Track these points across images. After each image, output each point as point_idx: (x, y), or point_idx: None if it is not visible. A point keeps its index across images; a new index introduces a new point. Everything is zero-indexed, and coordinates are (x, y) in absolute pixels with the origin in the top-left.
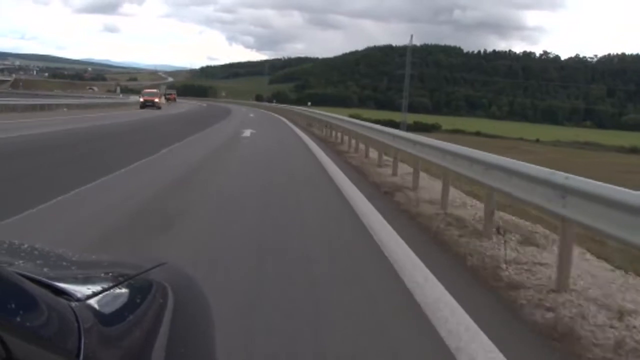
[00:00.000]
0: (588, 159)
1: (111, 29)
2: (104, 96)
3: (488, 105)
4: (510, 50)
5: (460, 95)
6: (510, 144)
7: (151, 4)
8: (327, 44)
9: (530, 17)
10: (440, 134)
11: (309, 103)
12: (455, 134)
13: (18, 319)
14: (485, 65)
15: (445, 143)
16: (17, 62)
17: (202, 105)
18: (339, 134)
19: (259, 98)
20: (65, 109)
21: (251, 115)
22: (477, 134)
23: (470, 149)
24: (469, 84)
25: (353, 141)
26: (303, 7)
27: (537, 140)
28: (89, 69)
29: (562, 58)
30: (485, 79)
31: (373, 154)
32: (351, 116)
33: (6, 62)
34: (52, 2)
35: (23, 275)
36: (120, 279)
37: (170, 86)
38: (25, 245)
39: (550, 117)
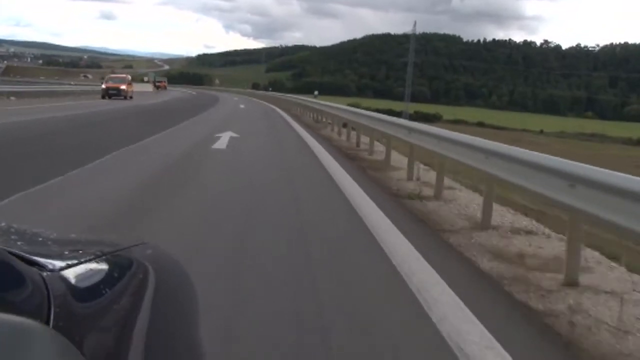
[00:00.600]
0: (595, 150)
1: (108, 16)
2: (85, 83)
3: (488, 94)
4: (510, 40)
5: (460, 84)
6: (514, 135)
7: None
8: (325, 33)
9: (530, 6)
10: (441, 124)
11: (316, 92)
12: (457, 124)
13: None
14: (485, 54)
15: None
16: (12, 49)
17: (190, 94)
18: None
19: (255, 86)
20: (12, 98)
21: (241, 106)
22: (480, 124)
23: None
24: (468, 73)
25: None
26: None
27: (541, 132)
28: (85, 56)
29: (563, 47)
30: (485, 68)
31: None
32: (350, 105)
33: (1, 49)
34: None
35: None
36: (98, 254)
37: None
38: (3, 224)
39: (551, 107)
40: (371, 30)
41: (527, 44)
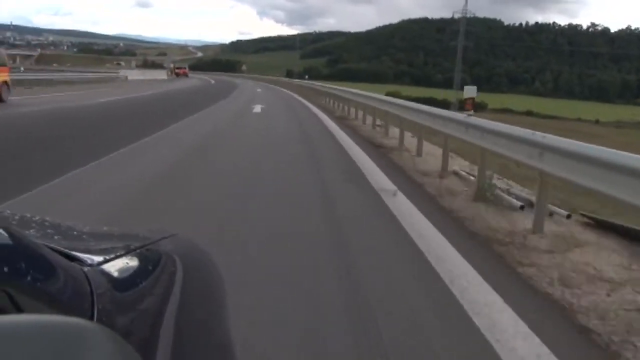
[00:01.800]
0: None
1: (143, 4)
2: (102, 71)
3: (531, 81)
4: (554, 23)
5: (502, 71)
6: (568, 125)
7: None
8: (360, 18)
9: None
10: (487, 113)
11: (306, 76)
12: (503, 113)
13: (30, 280)
14: (528, 39)
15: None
16: (51, 38)
17: (208, 83)
18: None
19: (289, 74)
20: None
21: (256, 109)
22: (528, 113)
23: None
24: (510, 59)
25: None
26: None
27: (597, 121)
28: (121, 44)
29: (612, 30)
30: (528, 53)
31: None
32: (389, 94)
33: (40, 38)
34: None
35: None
36: (132, 247)
37: (196, 61)
38: (37, 218)
39: (600, 94)
40: (406, 15)
41: (573, 28)
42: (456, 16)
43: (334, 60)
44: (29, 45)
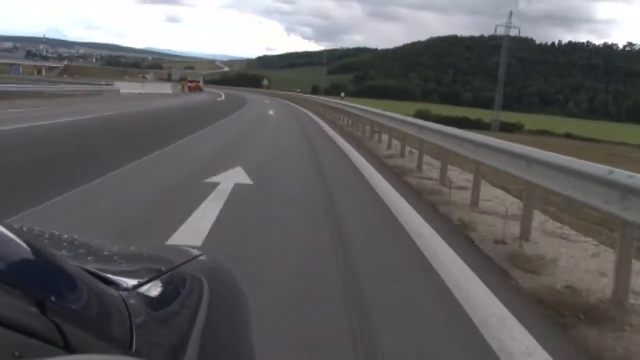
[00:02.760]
0: None
1: (173, 19)
2: (101, 83)
3: (564, 101)
4: (588, 42)
5: (533, 90)
6: (615, 150)
7: None
8: (386, 36)
9: (601, 9)
10: (524, 135)
11: (342, 94)
12: (540, 135)
13: (75, 307)
14: (561, 58)
15: None
16: (82, 51)
17: (216, 99)
18: None
19: (315, 90)
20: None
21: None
22: (568, 136)
23: None
24: (542, 78)
25: None
26: None
27: None
28: (149, 57)
29: None
30: (561, 73)
31: None
32: (419, 113)
33: (71, 51)
34: None
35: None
36: (162, 269)
37: (221, 76)
38: (65, 236)
39: (637, 115)
40: (433, 33)
41: (608, 47)
42: (499, 30)
43: (360, 77)
44: (59, 57)
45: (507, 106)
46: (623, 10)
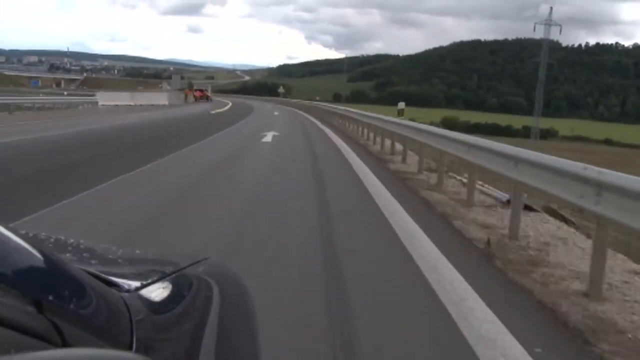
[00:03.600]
0: None
1: (195, 30)
2: (84, 94)
3: (594, 104)
4: (617, 43)
5: (561, 94)
6: None
7: (233, 4)
8: (407, 42)
9: (626, 10)
10: (559, 142)
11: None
12: (576, 141)
13: (73, 307)
14: (588, 61)
15: None
16: (105, 63)
17: (209, 112)
18: None
19: (337, 97)
20: None
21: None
22: (607, 142)
23: None
24: (570, 82)
25: None
26: (382, 5)
27: None
28: (171, 68)
29: None
30: (589, 76)
31: None
32: (446, 120)
33: (95, 63)
34: (139, 5)
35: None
36: (167, 271)
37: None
38: (72, 240)
39: None
40: (454, 38)
41: (638, 48)
42: (537, 28)
43: (382, 84)
44: (82, 70)
45: (532, 112)
46: None
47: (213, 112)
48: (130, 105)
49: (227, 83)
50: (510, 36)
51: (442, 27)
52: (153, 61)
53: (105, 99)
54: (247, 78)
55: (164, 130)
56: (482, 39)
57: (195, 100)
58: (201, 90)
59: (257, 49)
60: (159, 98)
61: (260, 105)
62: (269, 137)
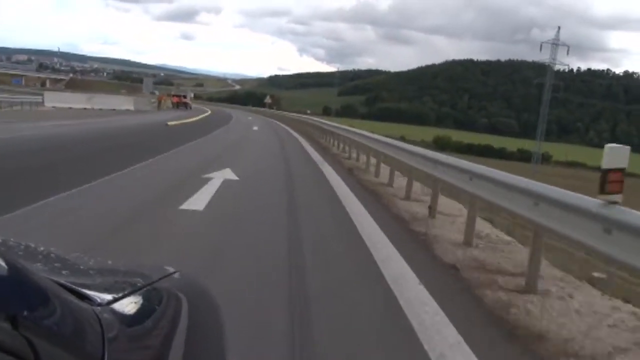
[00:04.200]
0: None
1: (188, 37)
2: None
3: (584, 129)
4: (608, 70)
5: (552, 118)
6: None
7: (227, 14)
8: (399, 59)
9: (614, 38)
10: (552, 167)
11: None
12: (571, 167)
13: (45, 322)
14: (580, 86)
15: None
16: (95, 65)
17: (166, 124)
18: None
19: (327, 111)
20: None
21: None
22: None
23: None
24: (561, 105)
25: None
26: (376, 21)
27: None
28: (161, 73)
29: None
30: (580, 101)
31: None
32: (438, 140)
33: (85, 65)
34: (133, 9)
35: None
36: (138, 285)
37: (230, 94)
38: (41, 249)
39: None
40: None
41: (629, 75)
42: (544, 47)
43: (372, 99)
44: (72, 70)
45: (524, 134)
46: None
47: (172, 123)
48: (85, 108)
49: (217, 91)
50: (502, 57)
51: (434, 46)
52: (144, 66)
53: (55, 100)
54: (237, 87)
55: (76, 148)
56: (475, 59)
57: (173, 106)
58: (179, 96)
59: (249, 59)
60: (122, 102)
61: (241, 116)
62: (212, 186)
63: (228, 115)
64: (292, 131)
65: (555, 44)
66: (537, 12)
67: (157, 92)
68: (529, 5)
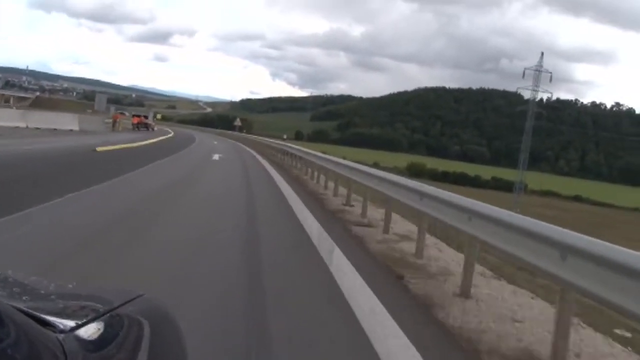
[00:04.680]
0: None
1: (161, 59)
2: None
3: (554, 158)
4: (576, 100)
5: (521, 146)
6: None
7: (201, 36)
8: (371, 85)
9: (581, 70)
10: (528, 196)
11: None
12: (546, 196)
13: (8, 350)
14: (550, 115)
15: None
16: (65, 84)
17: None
18: None
19: (299, 135)
20: None
21: None
22: (577, 199)
23: None
24: (534, 134)
25: None
26: (348, 48)
27: None
28: (133, 95)
29: (638, 111)
30: (550, 129)
31: None
32: (412, 166)
33: (55, 84)
34: (106, 29)
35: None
36: (101, 311)
37: (201, 117)
38: None
39: (629, 177)
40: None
41: (596, 106)
42: (527, 74)
43: (344, 124)
44: (40, 89)
45: (495, 161)
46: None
47: (103, 148)
48: (18, 127)
49: (189, 113)
50: (473, 85)
51: (405, 73)
52: (115, 86)
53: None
54: (209, 110)
55: None
56: (447, 86)
57: (133, 128)
58: (140, 116)
59: (221, 82)
60: (65, 121)
61: (206, 140)
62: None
63: (190, 138)
64: (261, 159)
65: (539, 70)
66: (505, 43)
67: (113, 110)
68: (497, 37)
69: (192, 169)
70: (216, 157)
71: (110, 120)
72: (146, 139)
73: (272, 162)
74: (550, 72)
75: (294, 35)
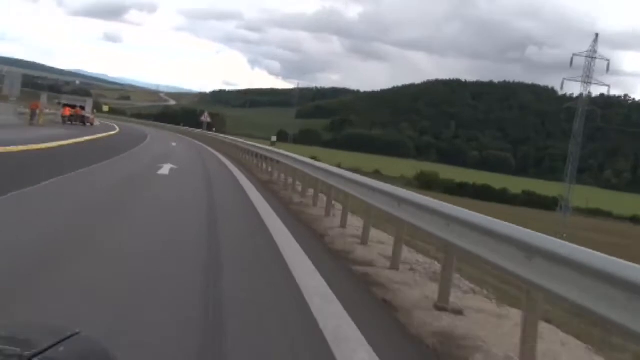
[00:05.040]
0: None
1: (113, 39)
2: None
3: (598, 168)
4: (625, 95)
5: (557, 153)
6: None
7: (164, 13)
8: (370, 76)
9: (630, 60)
10: (575, 216)
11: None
12: (593, 216)
13: None
14: (592, 115)
15: None
16: None
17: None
18: None
19: (283, 136)
20: None
21: None
22: (634, 220)
23: None
24: (567, 138)
25: None
26: (342, 32)
27: None
28: (77, 81)
29: None
30: (593, 132)
31: None
32: (422, 176)
33: None
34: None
35: None
36: (34, 351)
37: (162, 110)
38: None
39: None
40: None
41: None
42: (575, 60)
43: (338, 123)
44: None
45: (522, 171)
46: None
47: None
48: None
49: (147, 106)
50: (498, 78)
51: (412, 63)
52: (55, 71)
53: None
54: (172, 102)
55: None
56: (463, 79)
57: (64, 121)
58: (73, 107)
59: (188, 70)
60: None
61: (161, 140)
62: None
63: (140, 137)
64: (242, 179)
65: (591, 57)
66: (533, 27)
67: (45, 99)
68: (524, 19)
69: (113, 194)
70: (165, 169)
71: (28, 111)
72: (72, 138)
73: (254, 178)
74: (608, 60)
75: (276, 15)
